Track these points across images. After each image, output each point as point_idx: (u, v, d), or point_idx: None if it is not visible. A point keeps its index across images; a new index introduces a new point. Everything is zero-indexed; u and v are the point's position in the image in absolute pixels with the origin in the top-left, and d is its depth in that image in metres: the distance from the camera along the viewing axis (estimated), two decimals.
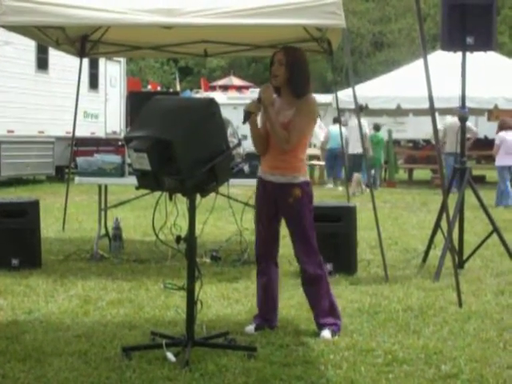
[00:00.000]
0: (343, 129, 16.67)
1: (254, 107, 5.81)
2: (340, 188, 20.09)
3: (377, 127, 21.59)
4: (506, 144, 16.30)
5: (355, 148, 18.97)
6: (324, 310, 5.99)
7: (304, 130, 5.95)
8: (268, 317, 6.11)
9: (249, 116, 5.79)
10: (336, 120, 22.15)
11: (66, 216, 11.73)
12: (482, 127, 27.68)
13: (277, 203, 5.98)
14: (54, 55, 19.58)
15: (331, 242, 8.12)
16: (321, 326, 5.94)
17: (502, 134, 16.44)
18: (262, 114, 5.95)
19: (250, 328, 6.02)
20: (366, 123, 20.23)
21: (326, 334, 5.86)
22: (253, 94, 35.20)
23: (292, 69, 5.87)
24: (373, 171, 20.64)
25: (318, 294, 6.01)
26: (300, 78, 5.91)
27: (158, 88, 33.89)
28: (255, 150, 6.12)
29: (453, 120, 19.19)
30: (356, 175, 19.40)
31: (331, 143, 21.43)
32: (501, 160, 16.37)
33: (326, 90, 36.76)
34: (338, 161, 21.32)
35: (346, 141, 17.48)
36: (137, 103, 9.47)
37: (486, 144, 24.59)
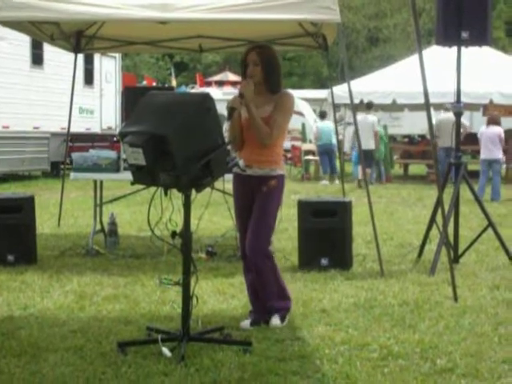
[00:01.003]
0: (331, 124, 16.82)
1: (237, 103, 5.86)
2: (336, 182, 20.15)
3: None
4: (484, 138, 16.51)
5: (365, 144, 19.02)
6: (271, 295, 6.07)
7: (284, 125, 6.10)
8: (262, 311, 6.12)
9: (233, 112, 5.84)
10: (322, 115, 22.26)
11: (61, 212, 11.72)
12: (476, 122, 27.71)
13: (252, 195, 6.06)
14: (49, 51, 19.53)
15: (327, 236, 8.14)
16: (269, 313, 6.04)
17: (483, 128, 16.73)
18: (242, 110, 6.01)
19: (246, 323, 6.03)
20: (376, 120, 20.41)
21: (275, 320, 5.99)
22: None
23: (267, 67, 6.02)
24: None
25: (263, 283, 6.05)
26: (275, 75, 6.07)
27: (154, 83, 33.87)
28: (232, 145, 6.16)
29: (445, 115, 19.24)
30: (366, 171, 19.55)
31: (323, 139, 21.50)
32: (485, 154, 16.57)
33: (322, 85, 36.80)
34: (331, 156, 21.42)
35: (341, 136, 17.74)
36: (132, 99, 9.47)
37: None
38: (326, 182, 21.13)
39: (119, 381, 4.72)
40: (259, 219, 6.02)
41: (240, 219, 6.19)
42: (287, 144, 26.49)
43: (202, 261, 8.48)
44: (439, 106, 20.25)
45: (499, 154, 16.63)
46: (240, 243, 6.24)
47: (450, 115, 18.50)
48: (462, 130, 18.35)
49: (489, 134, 16.44)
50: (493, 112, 18.05)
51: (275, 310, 6.04)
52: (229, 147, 5.72)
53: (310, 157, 23.35)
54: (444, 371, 4.97)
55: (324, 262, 8.15)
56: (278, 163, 6.08)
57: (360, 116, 19.78)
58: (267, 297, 6.07)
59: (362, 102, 20.67)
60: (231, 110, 5.86)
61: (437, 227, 8.73)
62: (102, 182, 9.65)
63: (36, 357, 5.19)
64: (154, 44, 11.39)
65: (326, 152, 21.44)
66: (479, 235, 8.98)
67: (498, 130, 16.57)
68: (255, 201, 6.06)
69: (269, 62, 6.01)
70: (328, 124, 21.52)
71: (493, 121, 16.72)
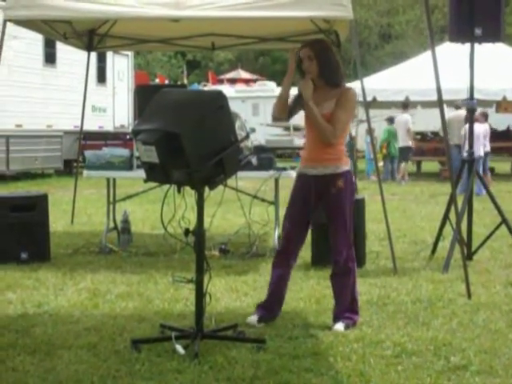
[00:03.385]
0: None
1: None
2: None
3: (391, 120, 21.69)
4: (475, 135, 16.43)
5: (403, 141, 20.43)
6: (345, 303, 6.01)
7: (347, 122, 6.06)
8: (273, 308, 6.13)
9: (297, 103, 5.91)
10: None
11: (74, 209, 11.76)
12: (490, 119, 27.60)
13: (317, 195, 6.00)
14: (62, 49, 19.60)
15: None
16: (336, 318, 5.96)
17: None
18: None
19: (253, 318, 6.02)
20: (410, 118, 20.62)
21: (339, 326, 5.87)
22: (261, 86, 35.25)
23: (321, 61, 5.93)
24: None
25: (344, 286, 6.04)
26: (331, 68, 5.97)
27: (166, 81, 33.92)
28: (273, 113, 6.16)
29: (456, 113, 19.27)
30: (403, 165, 20.43)
31: None
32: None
33: None
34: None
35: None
36: (144, 97, 9.46)
37: (495, 136, 24.52)
38: None
39: (133, 378, 4.73)
40: (339, 223, 5.99)
41: (289, 219, 6.10)
42: (299, 141, 26.53)
43: (215, 258, 8.50)
44: (452, 103, 20.22)
45: (482, 152, 16.99)
46: (284, 238, 6.14)
47: (460, 113, 18.54)
48: None
49: (477, 131, 16.58)
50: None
51: (342, 318, 5.96)
52: (241, 145, 5.71)
53: None
54: (458, 368, 4.96)
55: None
56: (343, 159, 6.01)
57: (400, 117, 21.07)
58: (340, 302, 6.03)
59: (374, 99, 20.72)
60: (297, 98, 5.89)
61: (450, 224, 8.71)
62: (115, 180, 9.67)
63: (50, 354, 5.21)
64: (166, 42, 11.40)
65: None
66: (493, 232, 8.95)
67: (484, 128, 17.27)
68: (324, 202, 6.00)
69: (323, 56, 5.92)
70: None
71: (475, 119, 16.81)
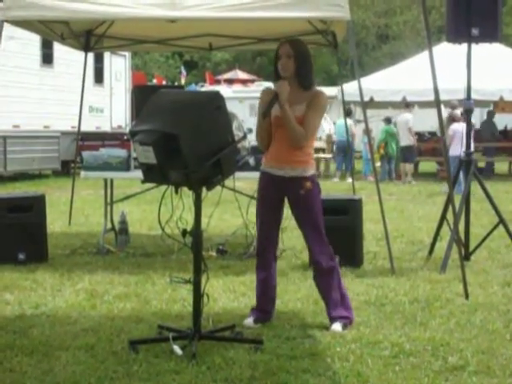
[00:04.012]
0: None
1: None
2: (349, 180, 20.23)
3: (388, 120, 21.73)
4: (458, 135, 16.81)
5: (404, 140, 20.50)
6: (335, 302, 6.00)
7: (317, 125, 6.04)
8: (266, 308, 6.13)
9: (270, 109, 5.81)
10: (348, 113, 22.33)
11: (72, 210, 11.75)
12: None
13: (285, 196, 6.00)
14: (59, 50, 19.61)
15: (337, 234, 8.10)
16: (332, 319, 5.95)
17: (455, 126, 17.20)
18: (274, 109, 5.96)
19: (249, 321, 6.02)
20: (410, 117, 20.68)
21: (337, 326, 5.86)
22: (259, 87, 35.22)
23: (300, 61, 5.91)
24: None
25: (330, 286, 6.02)
26: (307, 69, 5.96)
27: (163, 82, 33.89)
28: (260, 144, 6.14)
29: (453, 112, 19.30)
30: (407, 165, 20.52)
31: (338, 136, 21.65)
32: (454, 150, 16.77)
33: (332, 82, 36.74)
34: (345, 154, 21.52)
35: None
36: (142, 97, 9.45)
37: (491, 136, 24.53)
38: (337, 179, 21.21)
39: (130, 379, 4.73)
40: (311, 225, 5.98)
41: (263, 217, 6.09)
42: None
43: (212, 259, 8.50)
44: (449, 103, 20.22)
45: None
46: (258, 240, 6.16)
47: (455, 112, 18.61)
48: None
49: (459, 132, 16.82)
50: (454, 111, 18.57)
51: (339, 318, 5.95)
52: (239, 145, 5.71)
53: (320, 154, 23.35)
54: (455, 368, 4.96)
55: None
56: (310, 163, 6.00)
57: (401, 117, 21.22)
58: (331, 303, 6.01)
59: (372, 99, 20.76)
60: (272, 100, 5.80)
61: (447, 224, 8.71)
62: (112, 181, 9.67)
63: (48, 355, 5.20)
64: (163, 42, 11.41)
65: (342, 149, 21.48)
66: (490, 232, 8.95)
67: (463, 127, 17.17)
68: (294, 205, 6.00)
69: (302, 55, 5.92)
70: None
71: (457, 118, 17.50)
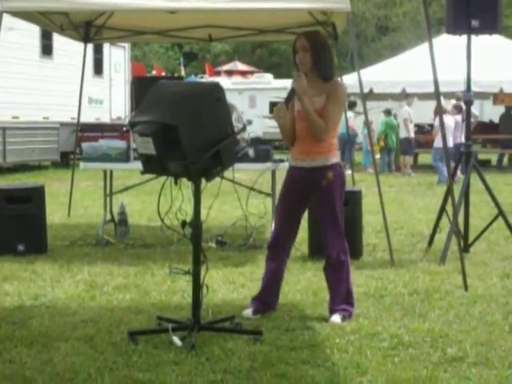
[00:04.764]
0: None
1: (282, 110, 5.81)
2: (349, 172, 20.24)
3: (388, 112, 21.70)
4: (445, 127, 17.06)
5: (403, 132, 20.65)
6: (340, 296, 6.01)
7: (338, 117, 6.03)
8: (269, 301, 6.13)
9: (293, 95, 5.82)
10: (351, 106, 22.30)
11: (71, 202, 11.74)
12: (487, 111, 27.62)
13: (308, 189, 5.99)
14: (59, 41, 19.59)
15: None
16: (332, 311, 5.96)
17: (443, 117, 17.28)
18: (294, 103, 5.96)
19: (248, 312, 6.03)
20: (407, 109, 20.71)
21: (336, 318, 5.87)
22: (258, 78, 35.21)
23: (316, 53, 5.90)
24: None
25: (338, 279, 6.03)
26: (325, 61, 5.94)
27: (163, 73, 33.87)
28: (285, 140, 6.18)
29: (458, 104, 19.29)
30: (406, 158, 20.63)
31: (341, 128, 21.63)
32: (439, 142, 17.47)
33: None
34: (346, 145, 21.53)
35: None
36: (141, 88, 9.44)
37: (492, 128, 24.55)
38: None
39: (130, 370, 4.73)
40: (330, 216, 5.97)
41: (282, 211, 6.09)
42: None
43: (211, 250, 8.50)
44: (449, 95, 20.21)
45: (451, 143, 17.63)
46: (274, 233, 6.15)
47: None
48: (472, 120, 19.22)
49: (447, 123, 17.23)
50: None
51: (339, 310, 5.95)
52: (238, 137, 5.71)
53: None
54: (454, 360, 4.96)
55: None
56: (333, 152, 5.98)
57: (402, 108, 21.23)
58: (335, 297, 6.02)
59: (371, 91, 20.74)
60: (291, 94, 5.80)
61: (447, 216, 8.72)
62: (111, 172, 9.67)
63: (47, 346, 5.21)
64: (163, 34, 11.39)
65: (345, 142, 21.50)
66: (489, 224, 8.96)
67: (455, 120, 18.27)
68: (314, 195, 5.99)
69: (319, 48, 5.89)
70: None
71: (445, 110, 17.91)
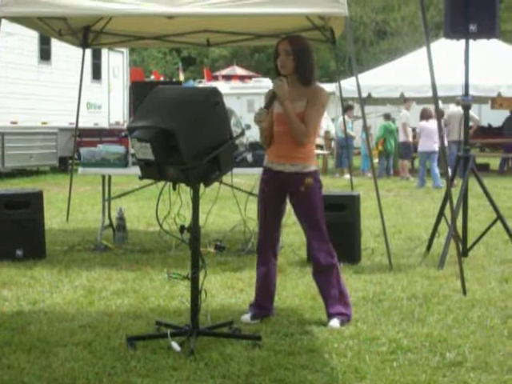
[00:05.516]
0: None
1: (263, 116, 5.80)
2: (347, 176, 20.27)
3: (387, 116, 21.72)
4: (426, 131, 18.13)
5: (401, 137, 20.57)
6: (334, 298, 6.00)
7: (318, 121, 6.02)
8: (265, 305, 6.13)
9: (273, 101, 5.82)
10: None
11: (69, 207, 11.75)
12: (485, 115, 27.64)
13: (286, 193, 6.00)
14: (57, 46, 19.57)
15: (335, 230, 8.10)
16: (330, 316, 5.95)
17: (423, 123, 18.25)
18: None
19: (246, 317, 6.03)
20: (406, 114, 20.75)
21: (334, 323, 5.86)
22: (257, 83, 35.21)
23: (298, 57, 5.89)
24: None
25: (329, 283, 6.02)
26: (307, 65, 5.93)
27: (161, 78, 33.88)
28: (262, 141, 6.15)
29: (456, 109, 19.34)
30: (405, 162, 20.60)
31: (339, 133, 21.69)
32: (422, 146, 18.31)
33: (329, 79, 36.71)
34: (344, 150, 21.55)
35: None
36: (140, 93, 9.45)
37: (490, 132, 24.56)
38: (338, 175, 21.27)
39: (128, 375, 4.73)
40: (312, 221, 5.98)
41: (264, 213, 6.08)
42: None
43: (210, 255, 8.50)
44: (447, 99, 20.22)
45: (436, 147, 17.92)
46: (259, 236, 6.16)
47: (460, 108, 18.69)
48: (472, 124, 19.36)
49: (430, 128, 17.87)
50: (426, 107, 19.29)
51: (337, 314, 5.95)
52: (237, 142, 5.71)
53: (319, 151, 23.35)
54: (453, 365, 4.96)
55: None
56: (311, 159, 5.99)
57: (401, 112, 21.20)
58: (329, 299, 6.01)
59: (369, 95, 20.75)
60: (271, 98, 5.80)
61: (445, 220, 8.72)
62: (110, 177, 9.67)
63: (46, 352, 5.21)
64: (161, 39, 11.40)
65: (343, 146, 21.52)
66: (488, 228, 8.96)
67: (434, 124, 18.06)
68: (294, 201, 6.00)
69: (301, 52, 5.88)
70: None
71: (427, 115, 18.28)
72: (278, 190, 6.01)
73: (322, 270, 6.02)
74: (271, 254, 6.15)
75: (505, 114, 23.63)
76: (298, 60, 5.89)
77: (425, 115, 18.31)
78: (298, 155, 5.92)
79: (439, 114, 7.35)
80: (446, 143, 18.95)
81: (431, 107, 17.26)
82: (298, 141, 5.88)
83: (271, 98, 5.84)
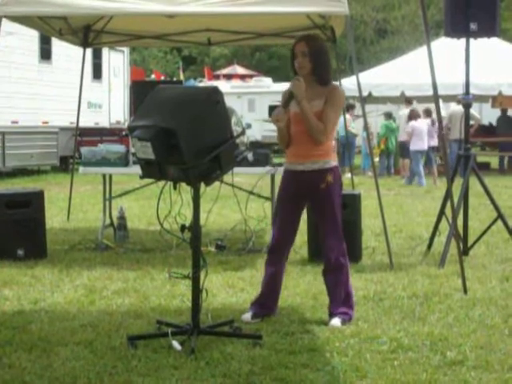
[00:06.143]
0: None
1: (281, 116, 5.82)
2: (348, 175, 20.26)
3: (388, 115, 21.70)
4: (416, 131, 18.53)
5: (402, 136, 20.53)
6: (339, 299, 6.01)
7: (336, 120, 6.05)
8: (269, 304, 6.13)
9: (290, 100, 5.84)
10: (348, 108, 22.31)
11: (70, 206, 11.75)
12: (486, 114, 27.63)
13: (306, 193, 6.00)
14: (58, 45, 19.58)
15: None
16: (332, 314, 5.96)
17: (413, 122, 18.64)
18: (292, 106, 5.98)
19: (247, 316, 6.03)
20: (407, 113, 20.75)
21: (336, 321, 5.87)
22: (258, 82, 35.23)
23: (315, 58, 5.92)
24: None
25: (337, 283, 6.03)
26: (324, 66, 5.97)
27: (162, 77, 33.88)
28: (280, 144, 6.18)
29: (457, 107, 19.33)
30: (405, 161, 20.47)
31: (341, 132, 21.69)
32: (414, 145, 18.60)
33: None
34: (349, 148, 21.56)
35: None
36: (140, 92, 9.44)
37: (491, 131, 24.55)
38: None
39: (129, 374, 4.73)
40: (329, 219, 5.98)
41: (283, 213, 6.08)
42: None
43: (211, 254, 8.50)
44: (448, 98, 20.20)
45: (425, 145, 18.63)
46: (274, 237, 6.14)
47: (461, 107, 18.68)
48: (473, 122, 19.46)
49: (420, 127, 18.50)
50: (414, 108, 19.83)
51: (338, 314, 5.96)
52: (237, 141, 5.71)
53: None
54: (454, 363, 4.96)
55: None
56: (331, 155, 6.01)
57: (402, 112, 21.47)
58: (334, 299, 6.02)
59: (370, 94, 20.73)
60: (289, 98, 5.83)
61: (446, 219, 8.72)
62: (111, 176, 9.67)
63: (47, 351, 5.21)
64: (162, 38, 11.40)
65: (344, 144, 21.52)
66: (489, 227, 8.95)
67: (426, 124, 19.02)
68: (314, 198, 6.01)
69: (318, 53, 5.92)
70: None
71: (415, 115, 18.80)
72: (298, 191, 6.01)
73: (332, 268, 6.03)
74: (283, 256, 6.16)
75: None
76: (315, 61, 5.93)
77: (412, 115, 18.70)
78: (318, 152, 5.94)
79: (439, 114, 7.34)
80: (436, 143, 19.28)
81: (431, 106, 17.29)
82: (315, 140, 5.90)
83: (288, 97, 5.86)
